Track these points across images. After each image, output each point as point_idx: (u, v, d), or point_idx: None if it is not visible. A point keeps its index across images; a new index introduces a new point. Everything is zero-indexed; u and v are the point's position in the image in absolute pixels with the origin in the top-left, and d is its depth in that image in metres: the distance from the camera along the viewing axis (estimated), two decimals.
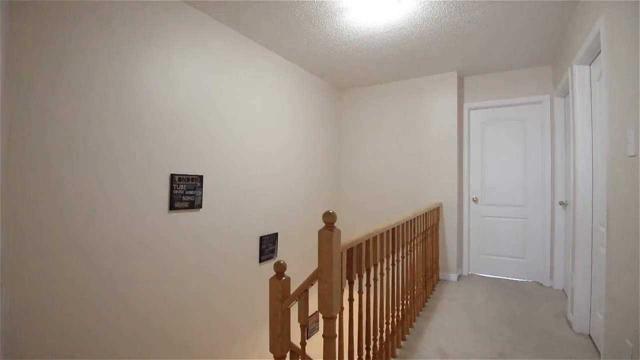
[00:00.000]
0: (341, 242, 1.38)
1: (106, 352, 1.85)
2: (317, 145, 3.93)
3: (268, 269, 3.03)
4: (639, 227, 1.34)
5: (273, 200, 3.15)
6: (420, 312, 2.69)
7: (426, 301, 2.92)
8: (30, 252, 1.57)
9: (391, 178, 4.05)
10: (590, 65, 2.28)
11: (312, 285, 1.37)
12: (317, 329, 3.49)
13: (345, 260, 1.50)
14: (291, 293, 1.46)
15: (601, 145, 2.01)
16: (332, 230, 1.26)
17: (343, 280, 1.40)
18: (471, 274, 3.78)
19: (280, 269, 1.44)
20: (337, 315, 1.30)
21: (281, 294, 1.42)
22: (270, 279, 1.45)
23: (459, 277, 3.67)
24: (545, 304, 2.87)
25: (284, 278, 1.45)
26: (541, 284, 3.40)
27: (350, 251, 1.50)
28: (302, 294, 1.38)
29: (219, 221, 2.55)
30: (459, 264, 3.72)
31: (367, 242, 1.68)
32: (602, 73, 1.83)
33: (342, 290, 1.39)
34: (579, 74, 2.33)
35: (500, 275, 3.67)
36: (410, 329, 2.40)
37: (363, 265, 1.64)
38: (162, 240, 2.14)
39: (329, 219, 1.27)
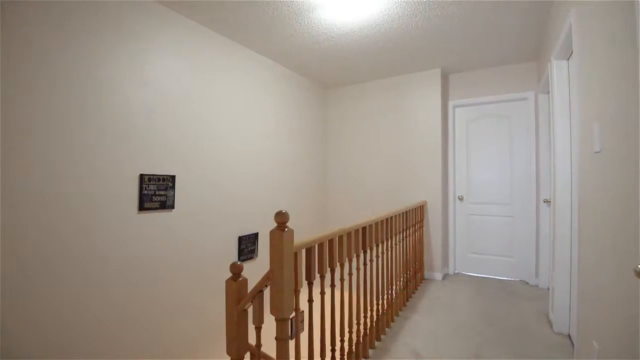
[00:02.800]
0: (299, 242, 1.35)
1: (95, 351, 1.90)
2: (302, 144, 3.89)
3: (248, 269, 2.99)
4: (608, 226, 1.30)
5: (254, 200, 3.12)
6: (400, 312, 2.65)
7: (407, 301, 2.88)
8: (27, 253, 1.65)
9: (378, 176, 4.01)
10: (568, 60, 2.23)
11: (266, 286, 1.34)
12: (302, 329, 3.45)
13: (304, 260, 1.47)
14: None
15: (573, 141, 1.97)
16: (283, 230, 1.23)
17: (299, 281, 1.36)
18: (457, 273, 3.74)
19: (235, 269, 1.41)
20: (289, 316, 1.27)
21: (237, 296, 1.39)
22: (227, 281, 1.42)
23: (445, 276, 3.63)
24: (529, 303, 2.82)
25: (240, 279, 1.42)
26: (527, 283, 3.36)
27: (308, 251, 1.47)
28: (257, 295, 1.35)
29: (193, 221, 2.52)
30: (445, 263, 3.68)
31: (331, 241, 1.65)
32: (575, 67, 1.79)
33: (298, 292, 1.36)
34: (557, 69, 2.29)
35: (486, 274, 3.63)
36: (387, 329, 2.36)
37: (326, 265, 1.61)
38: (132, 241, 2.11)
39: (281, 218, 1.24)
